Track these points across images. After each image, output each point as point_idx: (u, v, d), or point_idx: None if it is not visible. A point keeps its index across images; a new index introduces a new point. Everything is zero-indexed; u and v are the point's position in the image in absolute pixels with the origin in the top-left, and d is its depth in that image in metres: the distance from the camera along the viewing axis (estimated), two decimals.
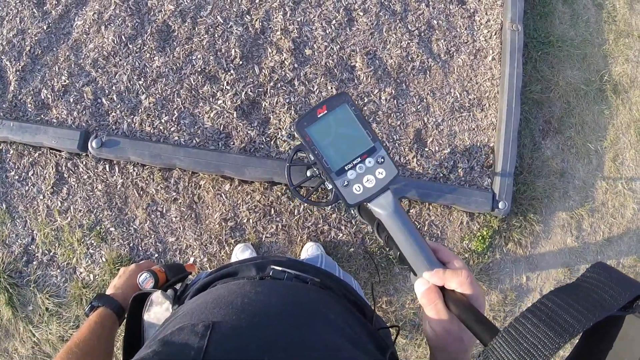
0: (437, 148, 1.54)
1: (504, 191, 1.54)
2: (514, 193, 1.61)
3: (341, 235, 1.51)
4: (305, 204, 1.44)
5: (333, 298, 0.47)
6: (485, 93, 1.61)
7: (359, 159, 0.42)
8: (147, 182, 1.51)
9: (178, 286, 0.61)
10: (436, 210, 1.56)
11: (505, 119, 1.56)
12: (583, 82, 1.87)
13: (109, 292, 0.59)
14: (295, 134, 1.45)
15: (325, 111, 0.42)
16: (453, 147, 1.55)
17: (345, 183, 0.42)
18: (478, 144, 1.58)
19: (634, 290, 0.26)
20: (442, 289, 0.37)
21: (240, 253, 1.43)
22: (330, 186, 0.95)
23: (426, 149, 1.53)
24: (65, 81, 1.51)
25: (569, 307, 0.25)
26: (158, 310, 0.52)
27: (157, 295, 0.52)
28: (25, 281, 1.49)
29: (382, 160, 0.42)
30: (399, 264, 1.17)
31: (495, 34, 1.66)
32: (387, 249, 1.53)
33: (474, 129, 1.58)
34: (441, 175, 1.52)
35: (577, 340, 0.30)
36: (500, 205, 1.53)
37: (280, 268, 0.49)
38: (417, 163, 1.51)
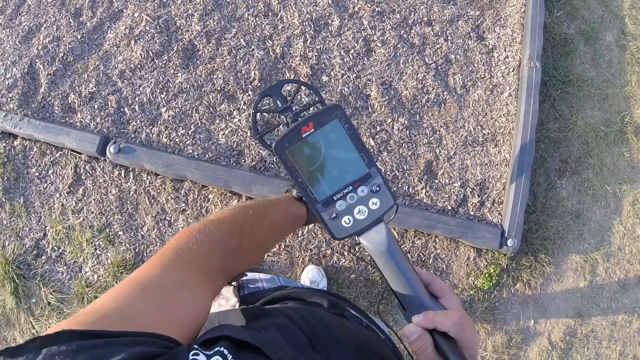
0: (447, 180, 1.52)
1: (514, 228, 1.50)
2: (524, 231, 1.57)
3: (343, 260, 1.50)
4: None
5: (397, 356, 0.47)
6: (500, 128, 1.59)
7: (350, 188, 0.36)
8: (158, 191, 1.55)
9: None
10: (442, 244, 1.53)
11: (519, 156, 1.54)
12: (603, 123, 1.82)
13: None
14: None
15: (312, 130, 0.34)
16: (464, 180, 1.53)
17: (334, 215, 0.35)
18: (490, 179, 1.55)
19: None
20: (432, 331, 0.34)
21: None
22: None
23: (436, 181, 1.52)
24: (92, 88, 1.59)
25: None
26: (222, 304, 0.51)
27: (227, 290, 0.52)
28: (32, 274, 1.53)
29: (378, 188, 0.36)
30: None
31: (513, 70, 1.66)
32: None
33: (486, 164, 1.56)
34: (449, 208, 1.49)
35: None
36: (509, 242, 1.48)
37: (355, 313, 0.49)
38: (425, 194, 1.50)
